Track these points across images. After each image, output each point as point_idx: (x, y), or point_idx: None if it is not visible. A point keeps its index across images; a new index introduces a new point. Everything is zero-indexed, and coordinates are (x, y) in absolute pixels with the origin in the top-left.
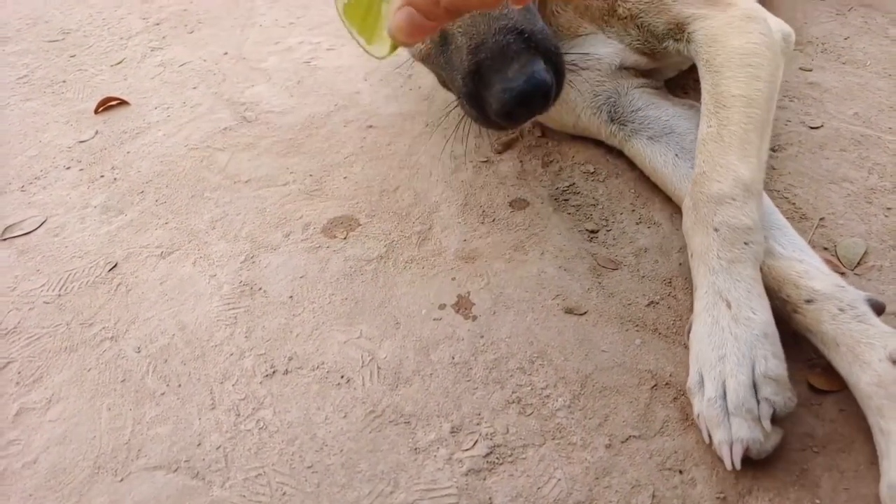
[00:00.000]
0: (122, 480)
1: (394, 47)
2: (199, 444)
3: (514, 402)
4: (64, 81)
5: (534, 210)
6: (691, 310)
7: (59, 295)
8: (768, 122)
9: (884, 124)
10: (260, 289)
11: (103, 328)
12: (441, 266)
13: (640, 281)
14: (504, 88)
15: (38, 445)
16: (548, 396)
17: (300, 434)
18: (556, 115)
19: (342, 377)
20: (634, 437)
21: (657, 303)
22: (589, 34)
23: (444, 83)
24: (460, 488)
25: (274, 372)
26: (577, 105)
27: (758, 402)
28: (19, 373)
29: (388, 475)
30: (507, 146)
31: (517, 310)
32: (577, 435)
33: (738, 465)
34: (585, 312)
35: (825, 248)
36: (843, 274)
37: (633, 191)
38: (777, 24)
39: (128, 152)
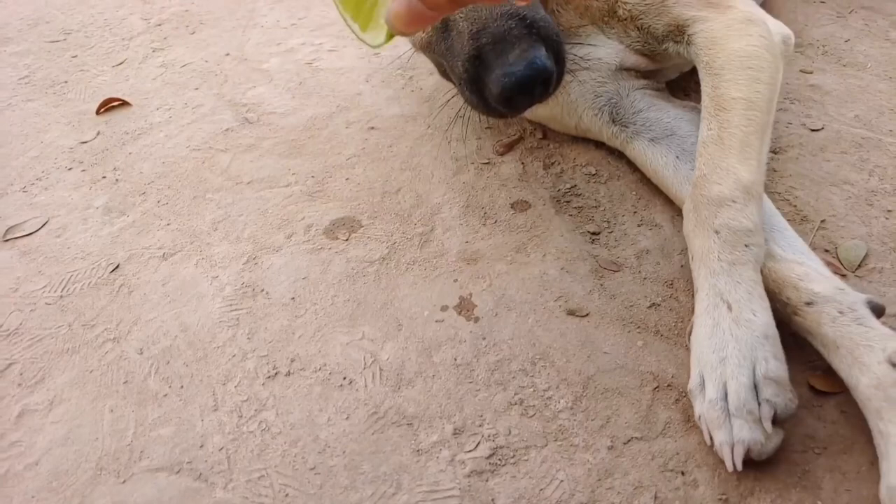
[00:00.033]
0: (124, 482)
1: (390, 36)
2: (201, 446)
3: (516, 403)
4: (65, 82)
5: (535, 212)
6: (692, 311)
7: (61, 296)
8: (769, 124)
9: (884, 127)
10: (262, 290)
11: (105, 329)
12: (443, 268)
13: (642, 283)
14: (505, 73)
15: (40, 447)
16: (550, 398)
17: (303, 435)
18: (557, 116)
19: (344, 379)
20: (636, 438)
21: (659, 304)
22: (589, 34)
23: (445, 73)
24: (463, 490)
25: (276, 373)
26: (578, 106)
27: (759, 403)
28: (21, 374)
29: (390, 476)
30: (509, 148)
31: (519, 311)
32: (580, 436)
33: (739, 467)
34: (587, 314)
35: (826, 251)
36: (843, 276)
37: (634, 193)
38: (777, 27)
39: (130, 153)
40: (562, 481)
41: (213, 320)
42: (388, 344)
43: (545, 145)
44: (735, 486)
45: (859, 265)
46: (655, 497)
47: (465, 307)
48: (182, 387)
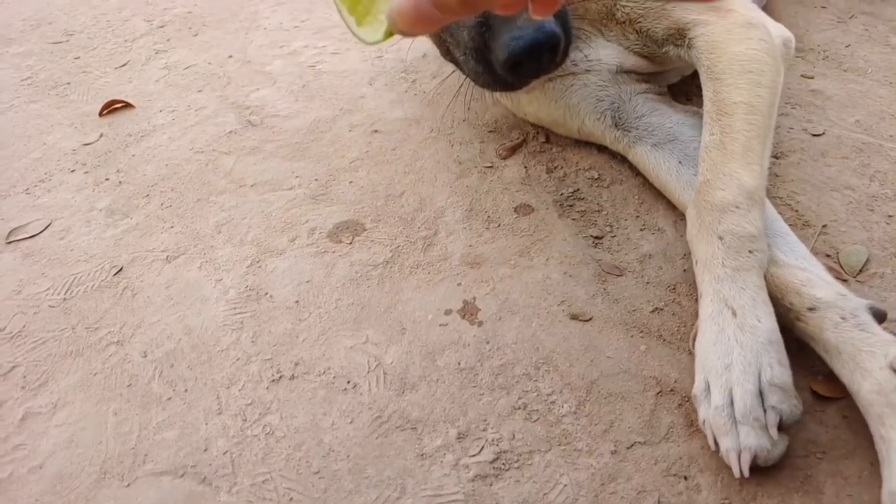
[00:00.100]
0: (128, 486)
1: (389, 34)
2: (205, 450)
3: (520, 408)
4: (68, 84)
5: (538, 216)
6: (695, 316)
7: (65, 299)
8: (770, 128)
9: (885, 132)
10: (266, 293)
11: (109, 332)
12: (447, 271)
13: (645, 287)
14: (513, 37)
15: (43, 450)
16: (553, 402)
17: (307, 439)
18: (560, 120)
19: (348, 382)
20: (640, 443)
21: (662, 309)
22: (588, 36)
23: (448, 51)
24: (467, 494)
25: (280, 377)
26: (580, 110)
27: (764, 410)
28: (25, 377)
29: (394, 481)
30: (512, 151)
31: (523, 315)
32: (583, 441)
33: (746, 473)
34: (590, 318)
35: (827, 256)
36: (845, 281)
37: (637, 197)
38: (777, 30)
39: (133, 155)
40: (565, 486)
41: (217, 323)
42: (391, 348)
43: (548, 149)
44: (738, 490)
45: (860, 270)
46: (658, 501)
47: (468, 311)
48: (186, 390)
